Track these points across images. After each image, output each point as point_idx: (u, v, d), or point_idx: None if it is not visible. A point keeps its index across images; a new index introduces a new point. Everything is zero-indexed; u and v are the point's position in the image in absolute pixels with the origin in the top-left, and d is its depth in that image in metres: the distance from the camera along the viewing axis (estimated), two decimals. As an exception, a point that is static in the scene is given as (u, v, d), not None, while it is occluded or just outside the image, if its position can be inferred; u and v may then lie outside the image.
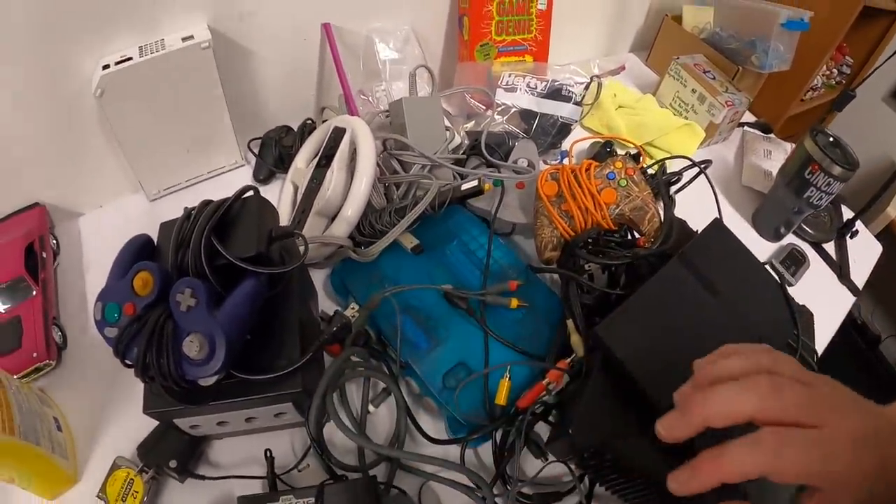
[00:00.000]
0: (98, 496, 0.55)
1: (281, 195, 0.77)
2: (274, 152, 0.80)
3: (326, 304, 0.70)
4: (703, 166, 0.77)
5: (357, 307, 0.58)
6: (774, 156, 0.97)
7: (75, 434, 0.61)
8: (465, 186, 0.66)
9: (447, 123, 0.75)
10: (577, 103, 0.83)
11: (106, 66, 0.66)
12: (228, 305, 0.48)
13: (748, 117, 1.04)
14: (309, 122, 0.81)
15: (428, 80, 0.79)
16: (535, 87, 0.83)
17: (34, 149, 0.71)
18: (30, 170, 0.73)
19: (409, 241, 0.68)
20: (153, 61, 0.67)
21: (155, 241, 0.55)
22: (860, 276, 0.89)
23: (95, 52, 0.67)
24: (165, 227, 0.56)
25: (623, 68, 0.87)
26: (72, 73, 0.66)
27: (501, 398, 0.59)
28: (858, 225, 0.92)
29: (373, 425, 0.62)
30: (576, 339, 0.63)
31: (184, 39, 0.69)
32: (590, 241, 0.68)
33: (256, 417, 0.55)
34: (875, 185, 0.89)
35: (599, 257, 0.65)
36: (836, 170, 0.76)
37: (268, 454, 0.57)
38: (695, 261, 0.59)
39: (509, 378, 0.60)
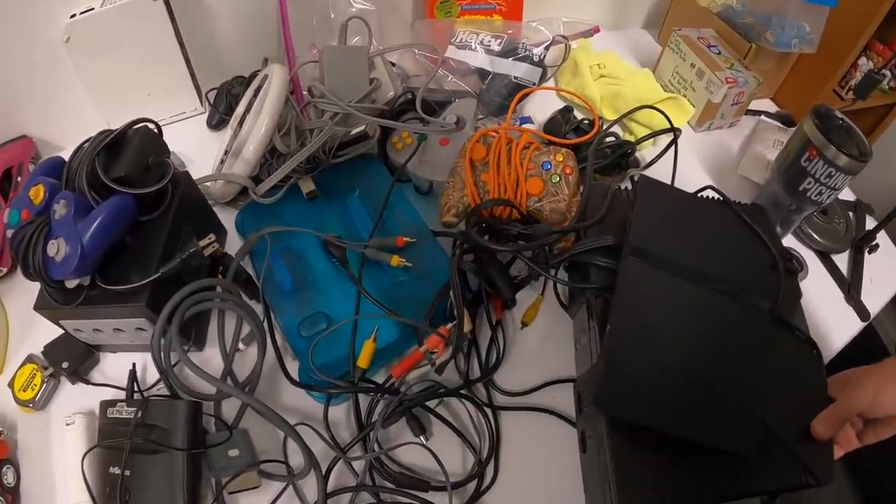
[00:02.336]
0: (7, 384, 0.62)
1: (222, 140, 0.79)
2: (225, 101, 0.82)
3: (237, 245, 0.69)
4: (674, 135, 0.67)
5: (214, 238, 0.57)
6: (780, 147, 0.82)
7: (12, 335, 0.69)
8: (354, 131, 0.62)
9: (378, 76, 0.72)
10: (536, 63, 0.76)
11: (73, 16, 0.73)
12: (91, 217, 0.53)
13: (769, 107, 0.90)
14: (257, 72, 0.81)
15: (375, 32, 0.76)
16: (490, 45, 0.77)
17: (22, 87, 0.78)
18: (19, 106, 0.81)
19: (307, 187, 0.66)
20: (111, 11, 0.74)
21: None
22: (875, 298, 0.73)
23: (67, 3, 0.74)
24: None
25: (597, 30, 0.78)
26: (51, 21, 0.73)
27: (364, 360, 0.56)
28: (881, 238, 0.76)
29: (243, 364, 0.61)
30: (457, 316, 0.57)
31: (139, -9, 0.74)
32: (484, 224, 0.61)
33: (123, 330, 0.58)
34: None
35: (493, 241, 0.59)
36: (842, 159, 0.62)
37: (133, 367, 0.60)
38: (649, 248, 0.52)
39: (375, 340, 0.56)
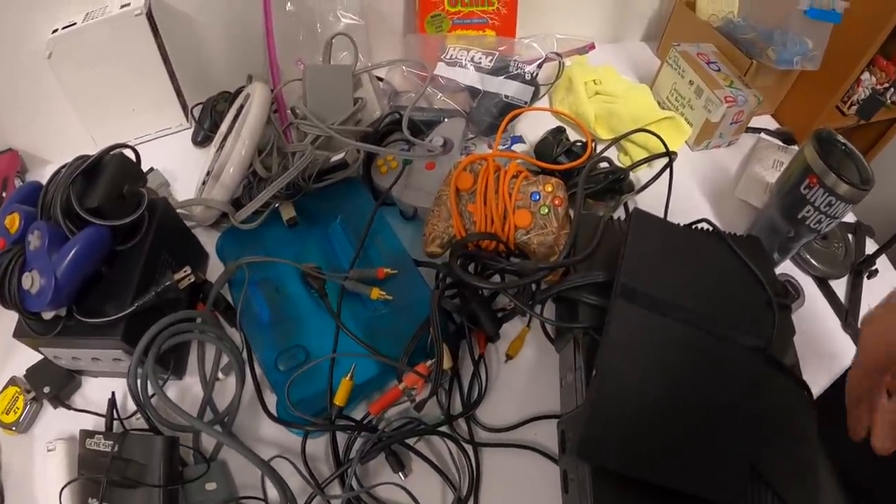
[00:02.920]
0: None
1: (205, 159, 0.77)
2: (210, 118, 0.80)
3: (220, 269, 0.68)
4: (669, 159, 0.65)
5: (190, 270, 0.55)
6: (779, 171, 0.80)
7: None
8: (333, 158, 0.61)
9: (364, 95, 0.70)
10: (527, 82, 0.73)
11: (55, 31, 0.72)
12: (65, 249, 0.52)
13: (770, 124, 0.87)
14: (242, 89, 0.79)
15: (362, 48, 0.74)
16: (481, 62, 0.74)
17: (7, 100, 0.78)
18: (4, 118, 0.80)
19: (287, 213, 0.64)
20: (94, 26, 0.72)
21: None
22: (874, 326, 0.70)
23: (50, 17, 0.72)
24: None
25: (592, 47, 0.76)
26: (34, 34, 0.72)
27: (341, 398, 0.54)
28: (881, 263, 0.73)
29: (223, 393, 0.60)
30: (436, 355, 0.56)
31: (122, 6, 0.73)
32: (468, 256, 0.59)
33: (100, 360, 0.58)
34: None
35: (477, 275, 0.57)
36: (842, 187, 0.60)
37: (112, 395, 0.59)
38: (640, 287, 0.50)
39: (352, 378, 0.55)
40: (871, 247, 0.77)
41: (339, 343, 0.57)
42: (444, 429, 0.57)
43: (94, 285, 0.55)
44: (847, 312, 0.71)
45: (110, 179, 0.54)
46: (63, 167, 0.55)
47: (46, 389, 0.60)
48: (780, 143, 0.84)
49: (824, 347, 0.68)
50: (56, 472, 0.56)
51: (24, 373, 0.62)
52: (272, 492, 0.54)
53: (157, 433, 0.56)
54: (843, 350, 0.68)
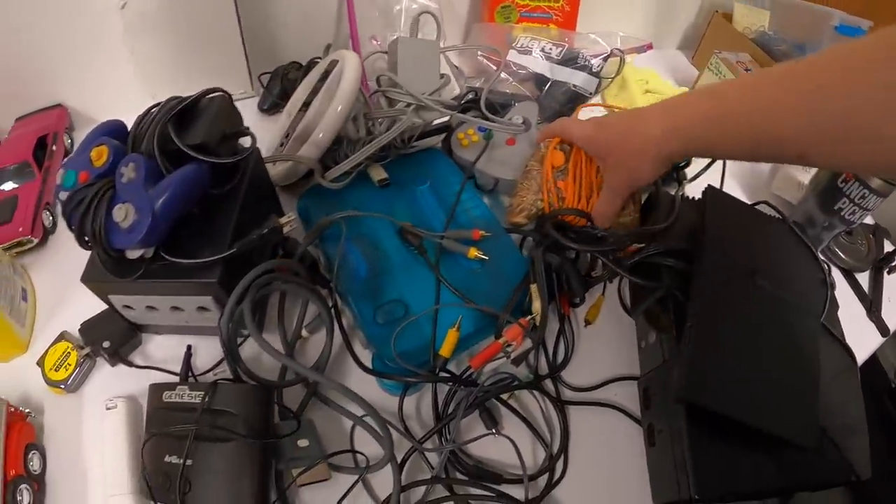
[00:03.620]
0: (37, 363, 0.57)
1: (278, 124, 0.77)
2: (280, 85, 0.81)
3: (296, 232, 0.68)
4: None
5: (294, 216, 0.56)
6: (813, 171, 0.87)
7: (39, 310, 0.65)
8: (436, 122, 0.63)
9: (447, 73, 0.72)
10: (594, 74, 0.78)
11: None
12: (164, 184, 0.49)
13: (795, 131, 0.95)
14: (316, 60, 0.81)
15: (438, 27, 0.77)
16: (551, 52, 0.79)
17: (63, 55, 0.76)
18: (57, 73, 0.78)
19: (378, 174, 0.65)
20: None
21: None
22: (893, 316, 0.78)
23: None
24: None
25: (650, 47, 0.82)
26: None
27: (447, 349, 0.55)
28: (899, 260, 0.81)
29: (303, 354, 0.60)
30: (537, 306, 0.58)
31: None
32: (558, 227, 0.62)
33: (182, 310, 0.55)
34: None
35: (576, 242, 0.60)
36: (875, 182, 0.67)
37: (189, 349, 0.57)
38: (721, 251, 0.55)
39: (458, 329, 0.56)
40: (888, 246, 0.84)
41: (440, 299, 0.58)
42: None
43: (185, 228, 0.52)
44: (871, 302, 0.78)
45: (213, 119, 0.52)
46: (153, 107, 0.53)
47: (106, 344, 0.57)
48: (805, 149, 0.91)
49: (851, 332, 0.74)
50: (116, 431, 0.53)
51: (79, 327, 0.58)
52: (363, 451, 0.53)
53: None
54: (869, 336, 0.75)
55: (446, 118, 0.63)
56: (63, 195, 0.51)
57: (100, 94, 0.81)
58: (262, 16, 0.80)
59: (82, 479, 0.52)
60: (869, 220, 0.88)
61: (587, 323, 0.65)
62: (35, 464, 0.51)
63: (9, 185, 0.70)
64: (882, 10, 0.82)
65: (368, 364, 0.56)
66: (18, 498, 0.48)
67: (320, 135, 0.64)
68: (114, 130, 0.55)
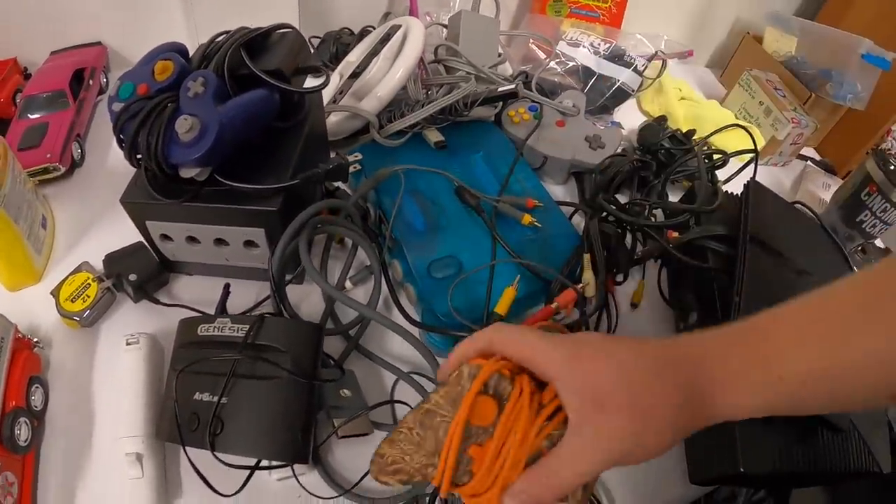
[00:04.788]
0: (51, 293, 0.53)
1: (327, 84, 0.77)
2: (332, 49, 0.81)
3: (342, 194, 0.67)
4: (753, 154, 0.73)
5: (360, 156, 0.55)
6: (832, 190, 0.91)
7: (57, 242, 0.62)
8: (501, 88, 0.64)
9: (502, 52, 0.74)
10: (638, 72, 0.81)
11: None
12: (232, 103, 0.48)
13: (813, 155, 0.99)
14: (370, 28, 0.81)
15: (493, 8, 0.79)
16: (599, 48, 0.81)
17: None
18: (98, 12, 0.77)
19: (435, 136, 0.66)
20: None
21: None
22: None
23: None
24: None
25: (691, 54, 0.85)
26: None
27: (503, 307, 0.54)
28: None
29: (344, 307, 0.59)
30: (588, 276, 0.58)
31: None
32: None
33: (228, 244, 0.53)
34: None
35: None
36: None
37: (227, 287, 0.55)
38: (765, 239, 0.57)
39: (516, 288, 0.55)
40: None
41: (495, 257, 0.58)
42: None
43: (245, 158, 0.50)
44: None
45: (288, 50, 0.51)
46: (221, 33, 0.51)
47: (132, 277, 0.53)
48: (824, 171, 0.95)
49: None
50: (135, 368, 0.48)
51: (103, 258, 0.55)
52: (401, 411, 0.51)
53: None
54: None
55: (512, 86, 0.64)
56: (117, 106, 0.48)
57: (144, 39, 0.79)
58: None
59: (88, 420, 0.48)
60: (880, 244, 0.92)
61: (634, 305, 0.65)
62: (37, 399, 0.47)
63: (41, 113, 0.69)
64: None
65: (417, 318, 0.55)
66: (17, 431, 0.43)
67: (381, 91, 0.64)
68: (177, 48, 0.53)
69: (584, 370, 0.31)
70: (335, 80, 0.75)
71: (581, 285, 0.58)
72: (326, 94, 0.73)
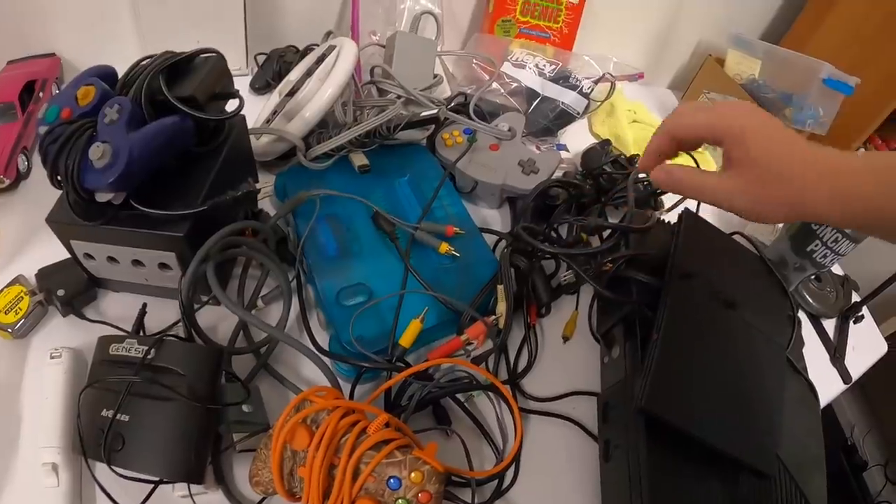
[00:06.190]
0: None
1: (267, 102, 0.77)
2: (275, 66, 0.81)
3: (269, 210, 0.67)
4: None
5: (270, 185, 0.55)
6: (789, 216, 0.89)
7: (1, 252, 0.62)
8: (424, 113, 0.63)
9: (440, 74, 0.73)
10: (584, 94, 0.79)
11: None
12: (144, 130, 0.49)
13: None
14: (313, 46, 0.81)
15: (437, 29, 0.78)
16: (544, 69, 0.80)
17: (63, 5, 0.75)
18: (54, 21, 0.78)
19: (359, 160, 0.65)
20: None
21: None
22: (856, 365, 0.78)
23: None
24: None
25: (641, 76, 0.84)
26: None
27: (407, 339, 0.54)
28: (865, 312, 0.82)
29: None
30: (502, 307, 0.57)
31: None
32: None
33: (144, 265, 0.54)
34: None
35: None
36: None
37: (144, 306, 0.55)
38: (694, 272, 0.55)
39: (422, 320, 0.54)
40: (856, 298, 0.85)
41: (406, 289, 0.57)
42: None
43: (159, 182, 0.51)
44: (836, 349, 0.79)
45: (206, 76, 0.52)
46: (145, 58, 0.52)
47: (60, 293, 0.55)
48: (783, 196, 0.93)
49: (814, 377, 0.74)
50: (56, 381, 0.50)
51: (35, 272, 0.57)
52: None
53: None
54: (831, 381, 0.75)
55: (434, 111, 0.63)
56: (42, 129, 0.49)
57: (96, 50, 0.81)
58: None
59: (15, 427, 0.50)
60: (839, 270, 0.90)
61: (565, 339, 0.64)
62: (-35, 406, 0.48)
63: (-12, 124, 0.69)
64: (869, 68, 0.85)
65: (325, 346, 0.55)
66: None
67: (308, 113, 0.64)
68: (104, 75, 0.54)
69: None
70: (274, 99, 0.74)
71: (494, 317, 0.57)
72: (262, 115, 0.73)
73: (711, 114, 0.40)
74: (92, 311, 0.58)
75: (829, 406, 0.76)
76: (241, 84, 0.84)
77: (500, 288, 0.57)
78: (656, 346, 0.49)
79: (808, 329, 0.79)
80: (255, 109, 0.75)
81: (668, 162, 0.45)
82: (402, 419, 0.52)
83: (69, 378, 0.51)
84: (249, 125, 0.72)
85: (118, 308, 0.59)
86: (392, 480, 0.41)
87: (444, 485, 0.43)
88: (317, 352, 0.53)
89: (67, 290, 0.55)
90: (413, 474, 0.41)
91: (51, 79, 0.77)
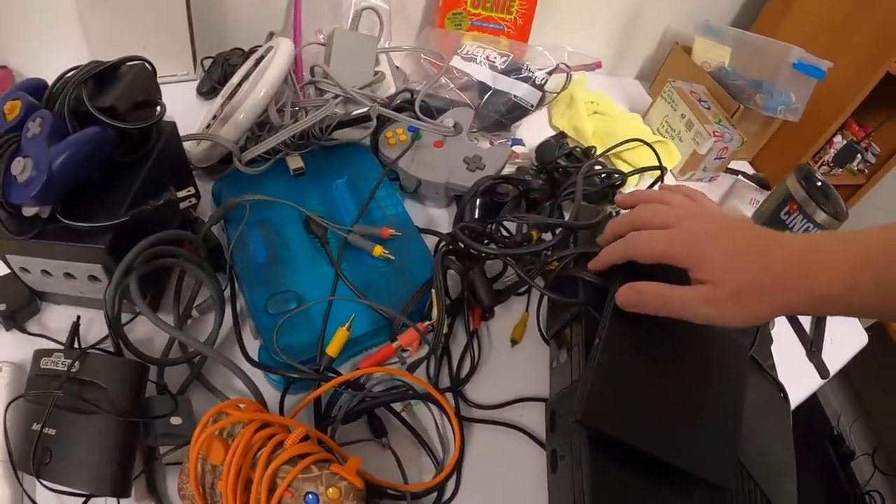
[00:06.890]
0: None
1: (210, 107, 0.75)
2: (220, 70, 0.79)
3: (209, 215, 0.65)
4: (661, 173, 0.68)
5: (193, 191, 0.53)
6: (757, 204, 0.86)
7: None
8: (355, 112, 0.61)
9: (383, 70, 0.71)
10: (537, 86, 0.77)
11: None
12: (64, 143, 0.48)
13: (747, 169, 0.93)
14: (258, 47, 0.79)
15: (385, 30, 0.76)
16: (495, 62, 0.77)
17: (12, 16, 0.75)
18: (4, 35, 0.77)
19: (294, 163, 0.63)
20: None
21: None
22: (834, 359, 0.75)
23: None
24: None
25: (599, 65, 0.81)
26: None
27: (334, 349, 0.52)
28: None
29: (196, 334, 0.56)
30: (437, 313, 0.55)
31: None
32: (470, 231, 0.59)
33: (75, 278, 0.53)
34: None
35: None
36: (820, 215, 0.65)
37: (77, 319, 0.54)
38: (644, 269, 0.50)
39: (349, 329, 0.52)
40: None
41: (336, 295, 0.55)
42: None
43: (86, 193, 0.51)
44: (812, 343, 0.75)
45: (127, 85, 0.52)
46: (72, 69, 0.52)
47: (2, 307, 0.55)
48: (756, 186, 0.90)
49: (790, 372, 0.71)
50: None
51: None
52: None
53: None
54: (808, 375, 0.72)
55: (365, 109, 0.61)
56: None
57: (48, 61, 0.79)
58: (213, 0, 0.79)
59: None
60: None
61: (513, 342, 0.61)
62: None
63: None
64: (844, 54, 0.81)
65: (255, 355, 0.53)
66: None
67: (241, 116, 0.62)
68: (34, 88, 0.53)
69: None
70: (217, 103, 0.72)
71: (429, 322, 0.55)
72: (203, 121, 0.71)
73: (667, 245, 0.42)
74: (35, 324, 0.58)
75: (814, 397, 0.73)
76: (189, 89, 0.82)
77: (434, 291, 0.55)
78: (597, 351, 0.46)
79: (782, 324, 0.76)
80: (201, 114, 0.73)
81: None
82: (332, 431, 0.50)
83: (10, 393, 0.50)
84: (194, 131, 0.71)
85: (61, 321, 0.58)
86: (310, 496, 0.40)
87: (363, 501, 0.41)
88: (246, 362, 0.51)
89: (9, 304, 0.55)
90: (330, 490, 0.40)
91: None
